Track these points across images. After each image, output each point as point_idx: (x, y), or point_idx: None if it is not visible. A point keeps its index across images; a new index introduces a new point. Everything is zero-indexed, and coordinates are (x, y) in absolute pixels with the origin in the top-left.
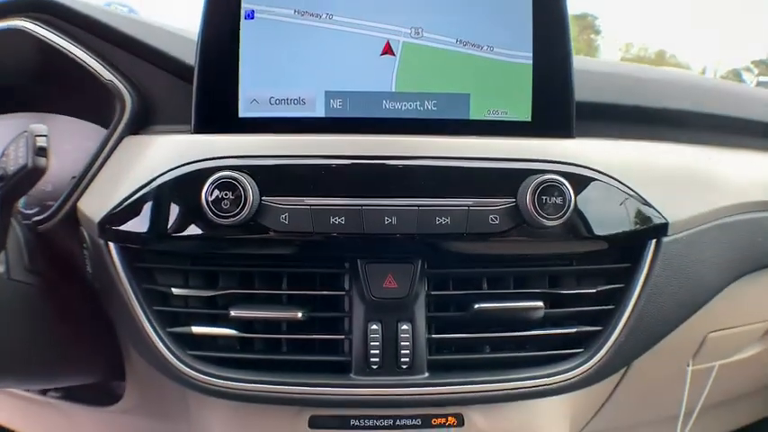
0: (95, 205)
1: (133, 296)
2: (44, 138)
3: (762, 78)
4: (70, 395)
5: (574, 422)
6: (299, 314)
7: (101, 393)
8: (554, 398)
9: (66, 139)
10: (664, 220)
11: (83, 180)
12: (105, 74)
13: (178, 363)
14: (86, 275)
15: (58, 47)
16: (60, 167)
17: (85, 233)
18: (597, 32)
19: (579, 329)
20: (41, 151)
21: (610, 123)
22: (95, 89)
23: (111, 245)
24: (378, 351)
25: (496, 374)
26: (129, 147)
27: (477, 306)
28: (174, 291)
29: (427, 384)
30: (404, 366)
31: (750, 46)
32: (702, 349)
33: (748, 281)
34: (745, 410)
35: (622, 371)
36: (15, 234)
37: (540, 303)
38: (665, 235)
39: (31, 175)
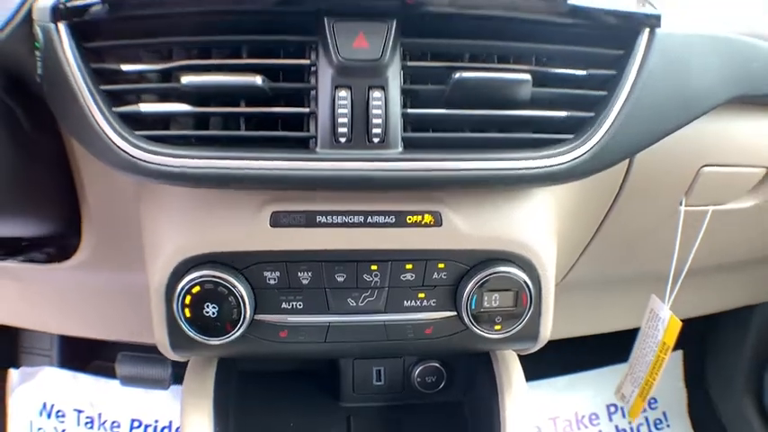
0: None
1: (80, 78)
2: None
3: None
4: (28, 259)
5: (560, 254)
6: (258, 80)
7: (54, 252)
8: (541, 206)
9: None
10: (657, 12)
11: None
12: None
13: (125, 144)
14: (42, 100)
15: None
16: None
17: (38, 27)
18: None
19: (570, 114)
20: None
21: None
22: None
23: (62, 26)
24: (346, 120)
25: (479, 153)
26: None
27: (457, 75)
28: (124, 67)
29: (400, 159)
30: (375, 140)
31: None
32: (695, 186)
33: (743, 116)
34: (723, 292)
35: (614, 196)
36: None
37: (528, 76)
38: (659, 27)
39: None
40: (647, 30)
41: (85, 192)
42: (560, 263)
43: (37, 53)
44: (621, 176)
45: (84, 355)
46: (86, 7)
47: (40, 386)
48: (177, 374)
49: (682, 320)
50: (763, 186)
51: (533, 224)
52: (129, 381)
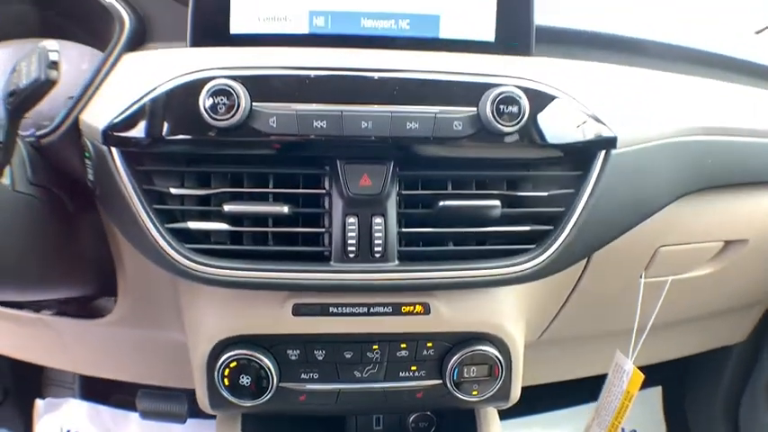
0: (98, 116)
1: (135, 197)
2: (56, 52)
3: None
4: (62, 312)
5: (532, 323)
6: (285, 208)
7: (91, 310)
8: (512, 294)
9: (62, 62)
10: (612, 135)
11: (85, 94)
12: None
13: (178, 255)
14: (85, 187)
15: None
16: (57, 89)
17: (88, 142)
18: None
19: (533, 228)
20: (53, 65)
21: (571, 47)
22: (92, 12)
23: (114, 150)
24: (354, 241)
25: (458, 264)
26: (128, 62)
27: (442, 203)
28: (173, 191)
29: (397, 271)
30: (377, 255)
31: None
32: (654, 263)
33: (697, 200)
34: (695, 338)
35: (578, 276)
36: (19, 148)
37: (497, 202)
38: (614, 148)
39: (43, 87)
40: (603, 152)
41: (123, 262)
42: (535, 327)
43: (87, 162)
44: (583, 264)
45: (104, 388)
46: (135, 138)
47: (65, 416)
48: (193, 409)
49: (657, 363)
50: (721, 255)
51: (504, 310)
52: (148, 414)
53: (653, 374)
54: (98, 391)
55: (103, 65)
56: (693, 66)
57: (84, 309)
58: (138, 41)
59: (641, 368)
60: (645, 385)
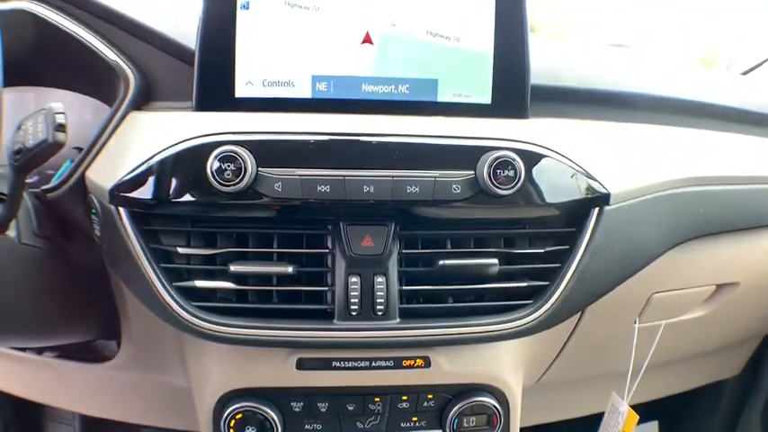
0: (105, 174)
1: (143, 255)
2: (63, 115)
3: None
4: (65, 354)
5: (530, 370)
6: (290, 269)
7: (94, 352)
8: (509, 345)
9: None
10: (606, 191)
11: (90, 152)
12: (111, 55)
13: (185, 313)
14: (90, 239)
15: (64, 29)
16: None
17: (95, 199)
18: None
19: (529, 284)
20: (60, 127)
21: (564, 104)
22: (98, 68)
23: (122, 210)
24: (357, 300)
25: (458, 321)
26: (134, 122)
27: (441, 262)
28: (180, 250)
29: (398, 328)
30: (379, 313)
31: None
32: (647, 309)
33: (689, 247)
34: (690, 374)
35: (574, 325)
36: (25, 201)
37: (495, 260)
38: (608, 204)
39: (50, 148)
40: (597, 209)
41: (127, 311)
42: (532, 373)
43: (94, 217)
44: (579, 314)
45: (103, 425)
46: (142, 198)
47: None
48: None
49: (653, 400)
50: (713, 298)
51: (502, 361)
52: None
53: (649, 409)
54: (97, 428)
55: (109, 122)
56: (684, 117)
57: (86, 351)
58: (143, 100)
59: (637, 404)
60: (641, 420)
